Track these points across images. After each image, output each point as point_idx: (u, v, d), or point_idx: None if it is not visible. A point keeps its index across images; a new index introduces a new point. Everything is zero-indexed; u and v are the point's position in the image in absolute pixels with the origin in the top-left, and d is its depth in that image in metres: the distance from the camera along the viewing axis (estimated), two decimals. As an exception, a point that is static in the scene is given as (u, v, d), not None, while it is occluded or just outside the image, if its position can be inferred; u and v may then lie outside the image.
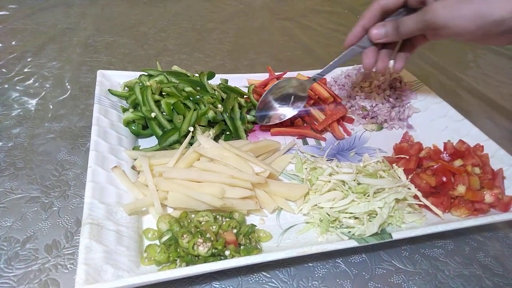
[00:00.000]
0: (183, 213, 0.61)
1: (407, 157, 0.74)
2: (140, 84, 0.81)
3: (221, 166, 0.64)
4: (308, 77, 0.95)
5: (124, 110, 0.80)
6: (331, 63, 0.75)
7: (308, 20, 1.60)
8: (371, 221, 0.61)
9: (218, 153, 0.66)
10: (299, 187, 0.68)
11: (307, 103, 0.89)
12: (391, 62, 0.77)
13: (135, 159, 0.68)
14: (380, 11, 0.69)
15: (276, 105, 0.84)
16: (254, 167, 0.65)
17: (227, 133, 0.80)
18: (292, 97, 0.83)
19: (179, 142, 0.73)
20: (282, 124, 0.86)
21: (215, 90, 0.84)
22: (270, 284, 0.56)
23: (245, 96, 0.90)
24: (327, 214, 0.63)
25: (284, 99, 0.83)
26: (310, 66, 1.16)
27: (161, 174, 0.62)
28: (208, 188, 0.60)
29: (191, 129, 0.73)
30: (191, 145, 0.70)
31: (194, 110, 0.76)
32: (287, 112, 0.83)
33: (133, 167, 0.67)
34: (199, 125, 0.75)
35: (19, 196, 0.65)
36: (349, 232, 0.62)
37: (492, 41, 0.63)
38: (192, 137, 0.73)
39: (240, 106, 0.84)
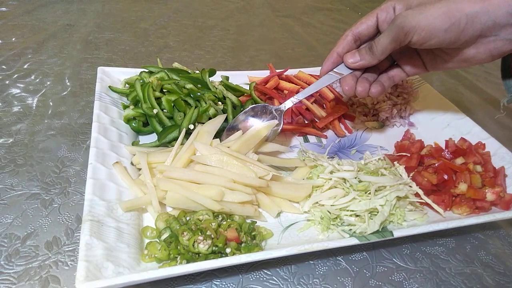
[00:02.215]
0: (182, 212, 0.60)
1: (409, 155, 0.74)
2: (141, 81, 0.81)
3: (223, 169, 0.63)
4: (309, 75, 0.95)
5: (125, 107, 0.79)
6: (306, 88, 0.72)
7: (309, 17, 1.59)
8: (372, 219, 0.61)
9: (217, 159, 0.64)
10: (303, 187, 0.67)
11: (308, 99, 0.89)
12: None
13: (134, 155, 0.68)
14: (354, 39, 0.68)
15: (248, 121, 0.75)
16: (257, 169, 0.64)
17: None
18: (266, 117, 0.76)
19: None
20: (283, 121, 0.86)
21: (216, 87, 0.83)
22: (270, 281, 0.56)
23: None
24: (328, 211, 0.63)
25: (258, 117, 0.76)
26: (310, 63, 1.16)
27: (161, 172, 0.62)
28: (207, 191, 0.59)
29: (191, 126, 0.72)
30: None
31: (195, 107, 0.76)
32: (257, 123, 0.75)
33: (132, 163, 0.67)
34: (199, 123, 0.75)
35: (19, 192, 0.65)
36: (350, 229, 0.62)
37: (471, 49, 0.61)
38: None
39: (235, 106, 0.83)
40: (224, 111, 0.79)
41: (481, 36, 0.59)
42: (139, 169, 0.67)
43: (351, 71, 0.69)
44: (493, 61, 0.63)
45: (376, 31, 0.67)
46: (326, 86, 0.91)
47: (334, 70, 0.70)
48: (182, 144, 0.69)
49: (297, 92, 0.90)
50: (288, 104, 0.74)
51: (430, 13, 0.57)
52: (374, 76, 0.71)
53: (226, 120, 0.76)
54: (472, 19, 0.56)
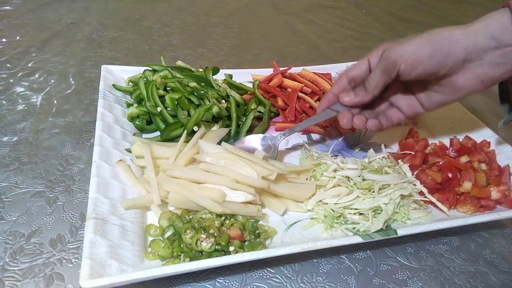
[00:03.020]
0: (185, 210, 0.60)
1: (413, 153, 0.73)
2: (145, 79, 0.81)
3: (226, 168, 0.63)
4: (313, 73, 0.95)
5: (129, 105, 0.79)
6: (303, 122, 0.73)
7: (312, 15, 1.59)
8: (376, 217, 0.61)
9: (222, 157, 0.64)
10: (307, 187, 0.66)
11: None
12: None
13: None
14: (348, 81, 0.71)
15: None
16: (260, 169, 0.63)
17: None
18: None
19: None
20: (286, 119, 0.86)
21: (219, 85, 0.83)
22: (274, 279, 0.56)
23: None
24: (332, 210, 0.63)
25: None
26: (314, 61, 1.15)
27: (164, 170, 0.62)
28: (209, 192, 0.59)
29: (196, 128, 0.72)
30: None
31: (198, 105, 0.76)
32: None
33: (128, 150, 0.68)
34: (203, 121, 0.75)
35: (24, 190, 0.66)
36: (354, 228, 0.61)
37: (460, 76, 0.63)
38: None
39: (238, 104, 0.83)
40: (227, 109, 0.79)
41: (466, 61, 0.60)
42: (141, 167, 0.67)
43: (348, 108, 0.71)
44: (487, 89, 0.64)
45: (369, 74, 0.69)
46: (330, 84, 0.91)
47: (331, 107, 0.72)
48: (185, 142, 0.69)
49: (301, 90, 0.90)
50: (283, 136, 0.73)
51: (414, 41, 0.61)
52: (371, 114, 0.73)
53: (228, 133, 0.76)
54: (455, 43, 0.59)
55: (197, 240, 0.53)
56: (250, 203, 0.61)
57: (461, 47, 0.59)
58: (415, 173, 0.69)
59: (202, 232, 0.54)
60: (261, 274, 0.56)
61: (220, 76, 0.89)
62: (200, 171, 0.62)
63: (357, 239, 0.56)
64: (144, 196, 0.61)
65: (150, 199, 0.60)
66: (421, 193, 0.66)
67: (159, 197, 0.59)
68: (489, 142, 0.76)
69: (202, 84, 0.82)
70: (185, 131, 0.70)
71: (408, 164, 0.71)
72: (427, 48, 0.60)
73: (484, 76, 0.61)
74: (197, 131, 0.71)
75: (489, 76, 0.61)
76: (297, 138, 0.83)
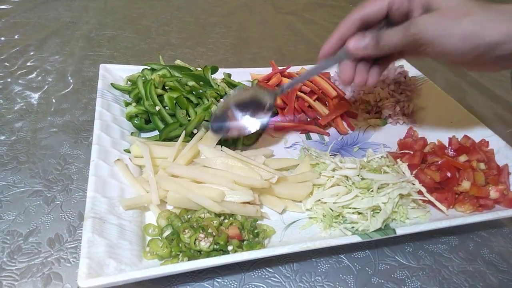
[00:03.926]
0: (183, 210, 0.60)
1: (412, 152, 0.73)
2: (143, 78, 0.81)
3: (227, 169, 0.63)
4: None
5: (127, 104, 0.79)
6: (301, 75, 0.67)
7: (311, 14, 1.59)
8: (374, 217, 0.61)
9: (222, 162, 0.64)
10: (303, 186, 0.66)
11: (310, 96, 0.88)
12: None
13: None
14: (360, 22, 0.61)
15: (237, 114, 0.70)
16: (262, 172, 0.63)
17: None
18: (257, 106, 0.70)
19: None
20: (285, 118, 0.85)
21: (218, 84, 0.83)
22: (273, 279, 0.56)
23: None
24: (331, 209, 0.63)
25: (247, 109, 0.70)
26: (313, 60, 1.15)
27: (164, 168, 0.62)
28: (208, 192, 0.59)
29: (195, 131, 0.72)
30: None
31: (197, 104, 0.76)
32: (250, 124, 0.69)
33: (127, 150, 0.68)
34: (204, 120, 0.75)
35: (22, 190, 0.65)
36: (353, 227, 0.61)
37: (485, 67, 0.59)
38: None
39: None
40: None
41: (497, 59, 0.55)
42: (140, 166, 0.67)
43: (348, 58, 0.63)
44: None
45: (384, 17, 0.61)
46: (328, 83, 0.91)
47: (334, 55, 0.65)
48: (184, 141, 0.69)
49: (300, 89, 0.90)
50: (280, 92, 0.69)
51: (453, 32, 0.53)
52: (368, 65, 0.65)
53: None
54: (494, 48, 0.53)
55: (195, 239, 0.53)
56: (249, 203, 0.61)
57: (500, 50, 0.52)
58: (413, 172, 0.69)
59: (201, 231, 0.54)
60: (259, 274, 0.56)
61: (219, 75, 0.89)
62: (201, 170, 0.62)
63: (356, 239, 0.56)
64: (143, 195, 0.61)
65: (149, 199, 0.60)
66: (419, 192, 0.66)
67: (158, 196, 0.59)
68: (488, 141, 0.76)
69: (201, 83, 0.82)
70: (183, 134, 0.70)
71: (407, 164, 0.71)
72: (463, 46, 0.53)
73: (508, 66, 0.58)
74: (196, 133, 0.71)
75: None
76: (296, 137, 0.83)
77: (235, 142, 0.75)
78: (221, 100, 0.68)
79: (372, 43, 0.59)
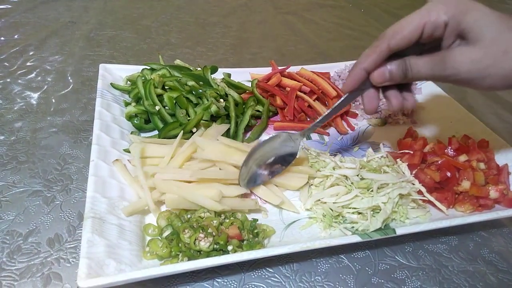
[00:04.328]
0: (183, 210, 0.60)
1: (411, 152, 0.73)
2: (143, 78, 0.81)
3: (215, 168, 0.64)
4: (311, 72, 0.95)
5: (127, 104, 0.79)
6: (327, 111, 0.63)
7: (311, 14, 1.58)
8: (374, 217, 0.61)
9: (220, 152, 0.64)
10: (297, 176, 0.67)
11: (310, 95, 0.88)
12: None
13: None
14: (387, 54, 0.54)
15: (263, 171, 0.66)
16: None
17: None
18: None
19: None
20: (285, 118, 0.85)
21: (218, 84, 0.83)
22: (272, 279, 0.56)
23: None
24: (330, 209, 0.63)
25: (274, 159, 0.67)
26: (313, 60, 1.15)
27: (153, 175, 0.62)
28: (206, 191, 0.59)
29: (194, 130, 0.72)
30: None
31: (197, 104, 0.76)
32: (280, 167, 0.67)
33: (127, 150, 0.68)
34: (201, 120, 0.75)
35: (21, 190, 0.65)
36: (353, 227, 0.61)
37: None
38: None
39: (237, 103, 0.83)
40: (226, 108, 0.79)
41: None
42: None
43: (372, 87, 0.59)
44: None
45: (416, 43, 0.54)
46: (328, 83, 0.91)
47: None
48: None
49: (300, 89, 0.90)
50: (303, 135, 0.67)
51: (492, 73, 0.50)
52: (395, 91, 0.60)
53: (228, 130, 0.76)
54: None
55: (195, 239, 0.53)
56: (246, 196, 0.61)
57: None
58: (413, 172, 0.69)
59: (201, 231, 0.54)
60: (259, 274, 0.56)
61: (218, 75, 0.89)
62: (191, 171, 0.62)
63: (356, 238, 0.56)
64: (141, 200, 0.60)
65: (147, 203, 0.60)
66: (419, 192, 0.66)
67: (152, 200, 0.58)
68: (488, 141, 0.76)
69: (201, 83, 0.82)
70: (180, 133, 0.70)
71: (407, 163, 0.71)
72: (503, 85, 0.51)
73: None
74: (195, 132, 0.71)
75: None
76: (296, 137, 0.83)
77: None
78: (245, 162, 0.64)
79: (399, 74, 0.55)
